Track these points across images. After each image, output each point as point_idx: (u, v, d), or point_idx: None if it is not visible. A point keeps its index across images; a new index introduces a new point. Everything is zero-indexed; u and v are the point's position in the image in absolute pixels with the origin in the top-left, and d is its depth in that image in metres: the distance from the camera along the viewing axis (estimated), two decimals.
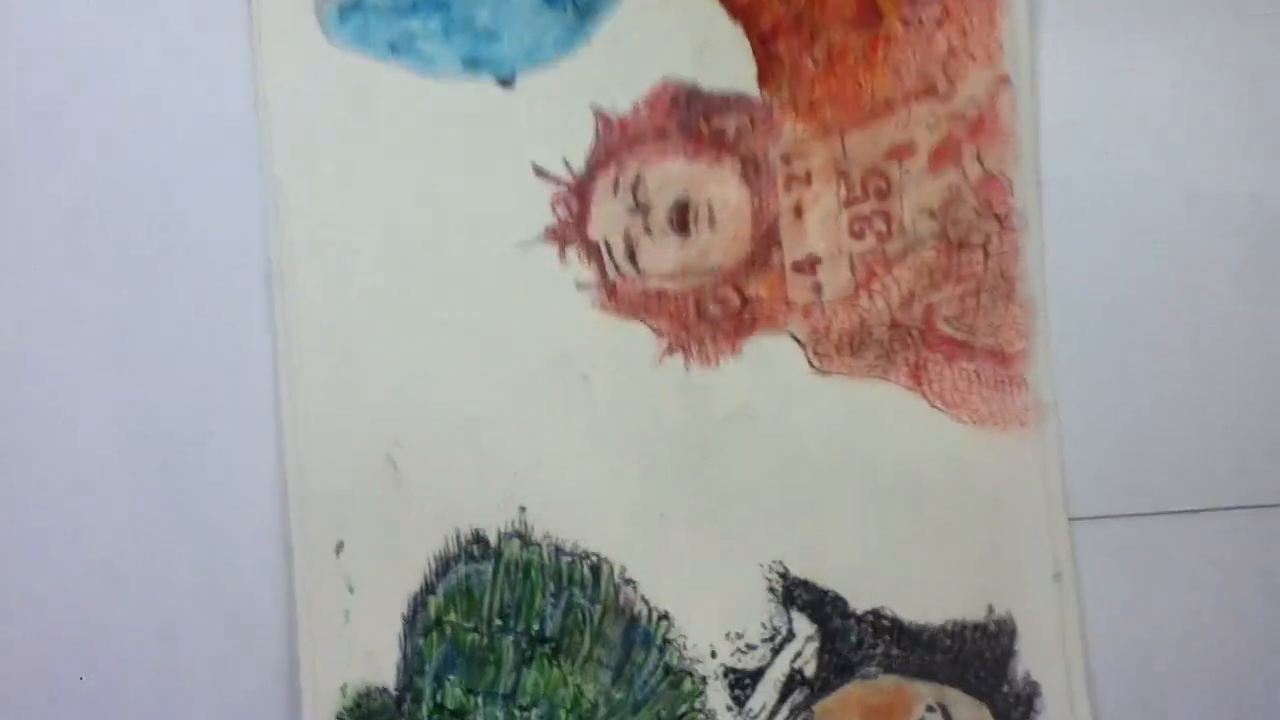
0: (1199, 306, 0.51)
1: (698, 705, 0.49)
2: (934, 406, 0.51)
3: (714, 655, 0.50)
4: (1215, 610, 0.51)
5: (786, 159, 0.51)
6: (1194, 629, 0.51)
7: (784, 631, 0.50)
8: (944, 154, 0.51)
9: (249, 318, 0.51)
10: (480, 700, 0.49)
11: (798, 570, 0.50)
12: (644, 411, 0.50)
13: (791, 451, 0.50)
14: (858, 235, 0.51)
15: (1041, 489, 0.50)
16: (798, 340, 0.50)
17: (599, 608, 0.50)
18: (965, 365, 0.51)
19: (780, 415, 0.50)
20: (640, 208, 0.51)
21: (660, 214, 0.51)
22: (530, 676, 0.49)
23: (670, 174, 0.51)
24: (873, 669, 0.50)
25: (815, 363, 0.50)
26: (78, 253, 0.51)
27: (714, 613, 0.50)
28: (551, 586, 0.50)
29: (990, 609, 0.50)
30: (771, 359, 0.50)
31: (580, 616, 0.50)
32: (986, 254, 0.51)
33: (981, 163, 0.51)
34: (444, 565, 0.50)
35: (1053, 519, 0.50)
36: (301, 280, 0.51)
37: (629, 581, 0.50)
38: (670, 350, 0.51)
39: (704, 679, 0.50)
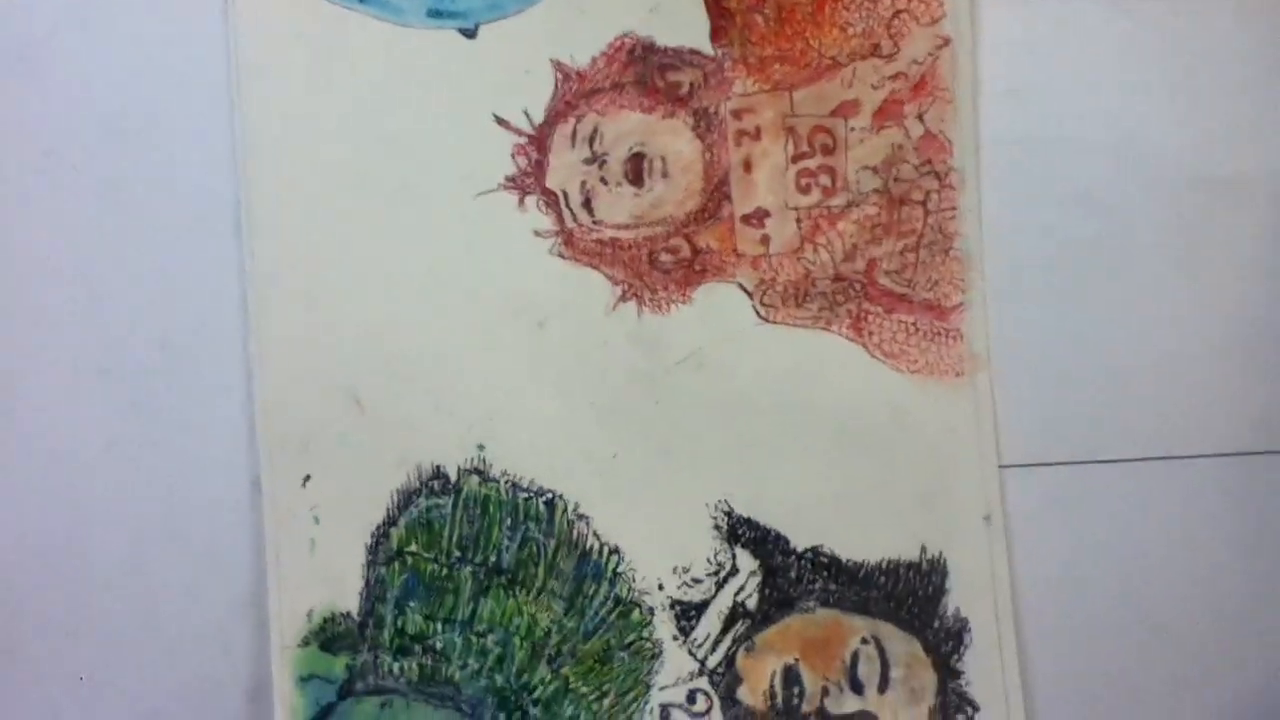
0: (1130, 264, 0.54)
1: (645, 634, 0.52)
2: (873, 356, 0.53)
3: (661, 588, 0.52)
4: (1138, 555, 0.54)
5: (737, 114, 0.53)
6: (1117, 572, 0.54)
7: (728, 566, 0.52)
8: (887, 112, 0.53)
9: (218, 258, 0.52)
10: (439, 627, 0.52)
11: (742, 509, 0.53)
12: (598, 356, 0.53)
13: (738, 396, 0.53)
14: (804, 190, 0.53)
15: (974, 437, 0.53)
16: (746, 290, 0.53)
17: (553, 542, 0.52)
18: (904, 317, 0.53)
19: (728, 362, 0.53)
20: (597, 159, 0.53)
21: (616, 165, 0.53)
22: (487, 605, 0.52)
23: (626, 126, 0.53)
24: (811, 603, 0.52)
25: (762, 312, 0.53)
26: (49, 191, 0.52)
27: (662, 548, 0.52)
28: (508, 521, 0.52)
29: (923, 549, 0.53)
30: (720, 308, 0.53)
31: (535, 550, 0.52)
32: (926, 210, 0.53)
33: (923, 121, 0.53)
34: (406, 499, 0.52)
35: (984, 465, 0.53)
36: (269, 223, 0.52)
37: (582, 517, 0.52)
38: (624, 297, 0.53)
39: (652, 610, 0.52)
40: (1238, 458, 0.53)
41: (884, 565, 0.52)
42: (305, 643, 0.52)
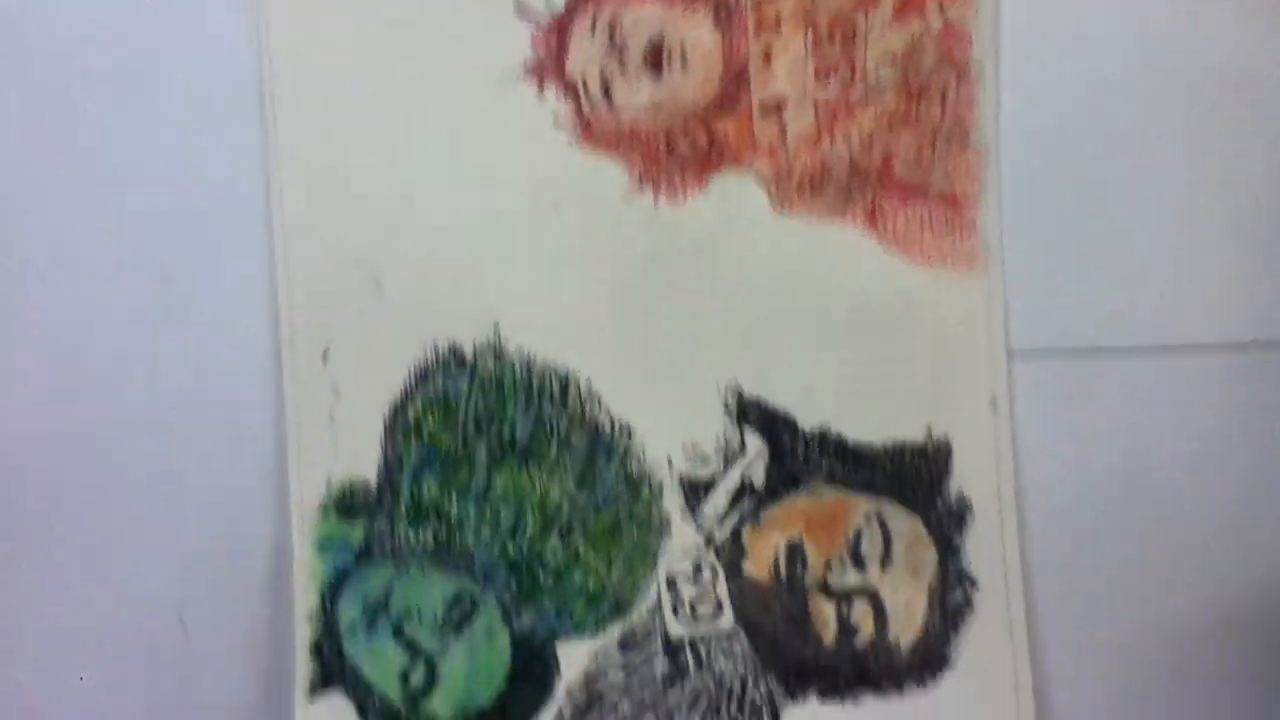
0: (1143, 157, 0.54)
1: (654, 509, 0.54)
2: (887, 247, 0.54)
3: (671, 465, 0.54)
4: (1141, 443, 0.55)
5: (757, 5, 0.53)
6: (1120, 459, 0.55)
7: (736, 446, 0.54)
8: (908, 4, 0.53)
9: (242, 138, 0.53)
10: (454, 498, 0.53)
11: (751, 390, 0.54)
12: (613, 241, 0.54)
13: (750, 283, 0.54)
14: (823, 80, 0.54)
15: (984, 325, 0.54)
16: (761, 180, 0.53)
17: (566, 419, 0.54)
18: (918, 208, 0.54)
19: (741, 249, 0.54)
20: (616, 47, 0.54)
21: (635, 53, 0.54)
22: (501, 479, 0.53)
23: (646, 15, 0.53)
24: (817, 482, 0.54)
25: (777, 201, 0.54)
26: (78, 66, 0.54)
27: (672, 427, 0.54)
28: (522, 398, 0.53)
29: (929, 431, 0.54)
30: (736, 196, 0.54)
31: (548, 426, 0.53)
32: (944, 102, 0.54)
33: (943, 14, 0.53)
34: (423, 374, 0.53)
35: (993, 352, 0.54)
36: (292, 104, 0.53)
37: (594, 395, 0.54)
38: (640, 184, 0.54)
39: (661, 486, 0.54)
40: (1243, 348, 0.54)
41: (889, 447, 0.54)
42: (324, 509, 0.53)
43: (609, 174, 0.54)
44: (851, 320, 0.54)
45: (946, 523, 0.54)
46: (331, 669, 0.53)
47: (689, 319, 0.54)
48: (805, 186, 0.54)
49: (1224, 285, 0.54)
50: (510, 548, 0.53)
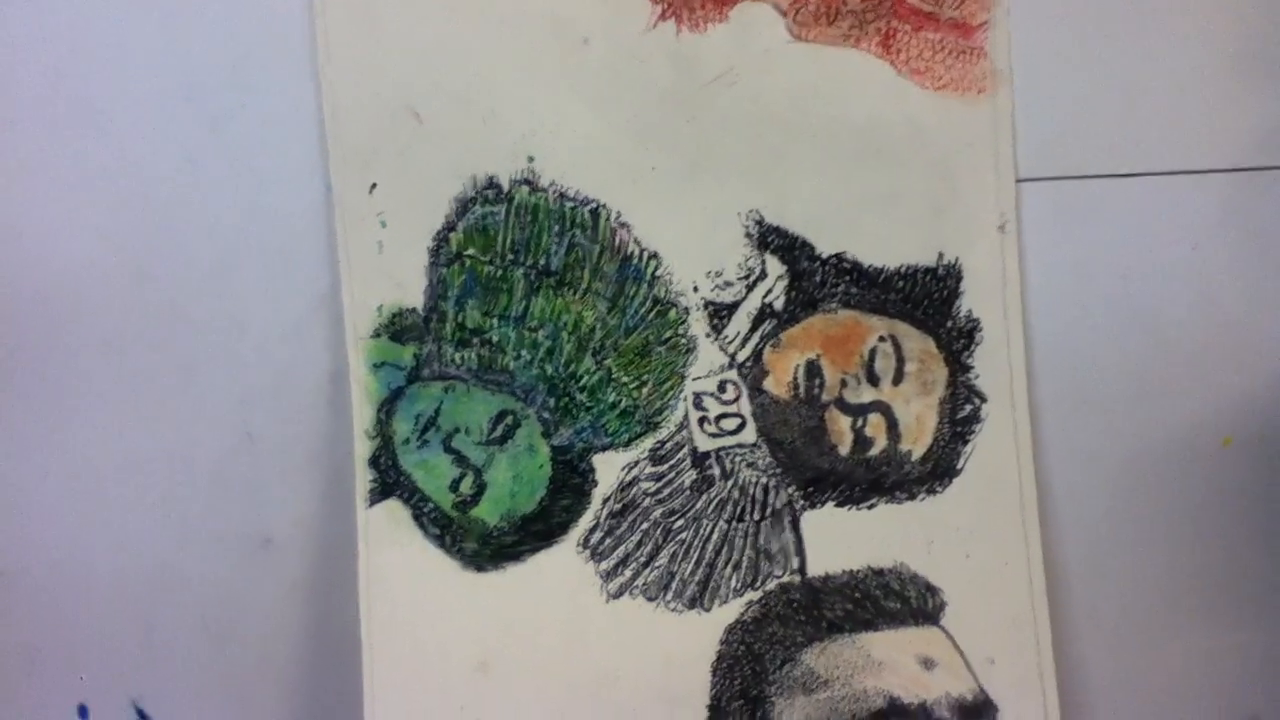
0: None
1: (681, 331, 0.57)
2: (900, 73, 0.56)
3: (696, 290, 0.57)
4: (1144, 264, 0.57)
5: None
6: (1123, 280, 0.57)
7: (757, 271, 0.57)
8: None
9: None
10: (495, 322, 0.57)
11: (771, 218, 0.57)
12: (637, 73, 0.56)
13: (768, 112, 0.56)
14: None
15: (993, 150, 0.56)
16: (779, 7, 0.56)
17: (597, 247, 0.57)
18: (931, 35, 0.56)
19: (759, 79, 0.56)
20: None
21: None
22: (538, 303, 0.57)
23: None
24: (833, 304, 0.57)
25: (794, 30, 0.56)
26: None
27: (697, 253, 0.57)
28: (556, 228, 0.57)
29: (940, 255, 0.56)
30: (755, 25, 0.56)
31: (581, 254, 0.57)
32: None
33: None
34: (463, 206, 0.57)
35: (1001, 177, 0.56)
36: None
37: (623, 225, 0.57)
38: (663, 15, 0.56)
39: (687, 309, 0.57)
40: (1243, 172, 0.56)
41: (902, 270, 0.57)
42: (376, 334, 0.57)
43: (632, 5, 0.56)
44: (866, 147, 0.56)
45: (956, 341, 0.57)
46: (388, 479, 0.58)
47: (711, 150, 0.57)
48: (821, 14, 0.56)
49: (1226, 111, 0.56)
50: (548, 368, 0.57)
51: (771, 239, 0.57)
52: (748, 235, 0.57)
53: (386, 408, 0.58)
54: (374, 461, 0.58)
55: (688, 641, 0.57)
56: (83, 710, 0.60)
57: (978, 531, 0.57)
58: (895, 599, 0.57)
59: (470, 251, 0.57)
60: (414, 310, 0.57)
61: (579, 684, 0.57)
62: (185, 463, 0.60)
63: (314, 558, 0.60)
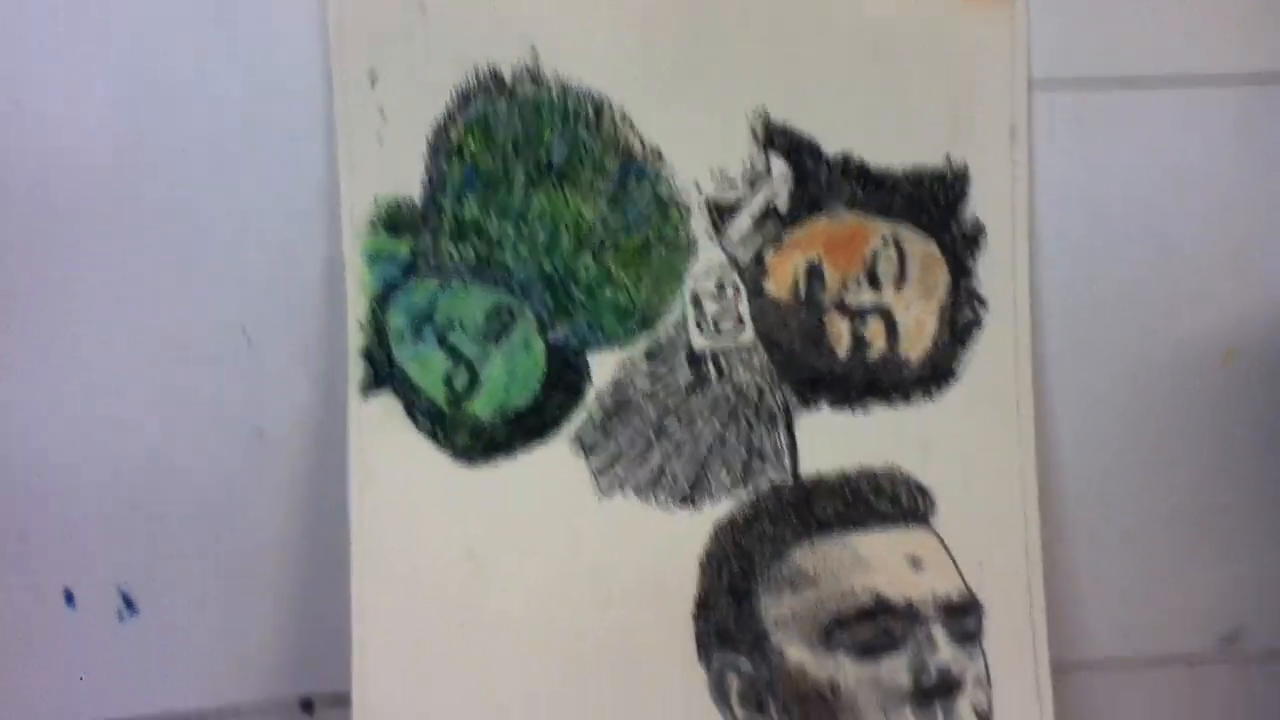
0: None
1: (682, 230, 0.57)
2: None
3: (699, 189, 0.56)
4: (1153, 174, 0.57)
5: None
6: (1131, 189, 0.57)
7: (762, 170, 0.56)
8: None
9: None
10: (494, 217, 0.57)
11: (778, 116, 0.56)
12: None
13: (778, 9, 0.55)
14: None
15: (1008, 54, 0.55)
16: None
17: (599, 142, 0.56)
18: None
19: None
20: None
21: None
22: (538, 199, 0.56)
23: None
24: (837, 206, 0.56)
25: None
26: None
27: (701, 152, 0.56)
28: (558, 122, 0.56)
29: (948, 158, 0.56)
30: None
31: (583, 149, 0.56)
32: None
33: None
34: (464, 97, 0.56)
35: (1014, 82, 0.55)
36: None
37: (627, 120, 0.56)
38: None
39: (689, 208, 0.57)
40: (1260, 79, 0.55)
41: (909, 172, 0.56)
42: (373, 226, 0.57)
43: None
44: (876, 47, 0.55)
45: (960, 246, 0.56)
46: (382, 372, 0.58)
47: (718, 48, 0.55)
48: None
49: (1243, 16, 0.55)
50: (546, 264, 0.57)
51: (777, 138, 0.56)
52: (753, 133, 0.56)
53: (381, 301, 0.57)
54: (368, 354, 0.58)
55: (677, 538, 0.58)
56: (69, 595, 0.61)
57: (973, 437, 0.57)
58: (886, 500, 0.57)
59: (470, 144, 0.56)
60: (411, 203, 0.57)
61: (568, 578, 0.58)
62: (181, 353, 0.59)
63: (307, 449, 0.60)
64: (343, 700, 0.58)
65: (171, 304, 0.59)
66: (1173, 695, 0.62)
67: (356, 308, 0.57)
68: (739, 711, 0.58)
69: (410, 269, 0.57)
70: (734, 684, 0.58)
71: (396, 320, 0.57)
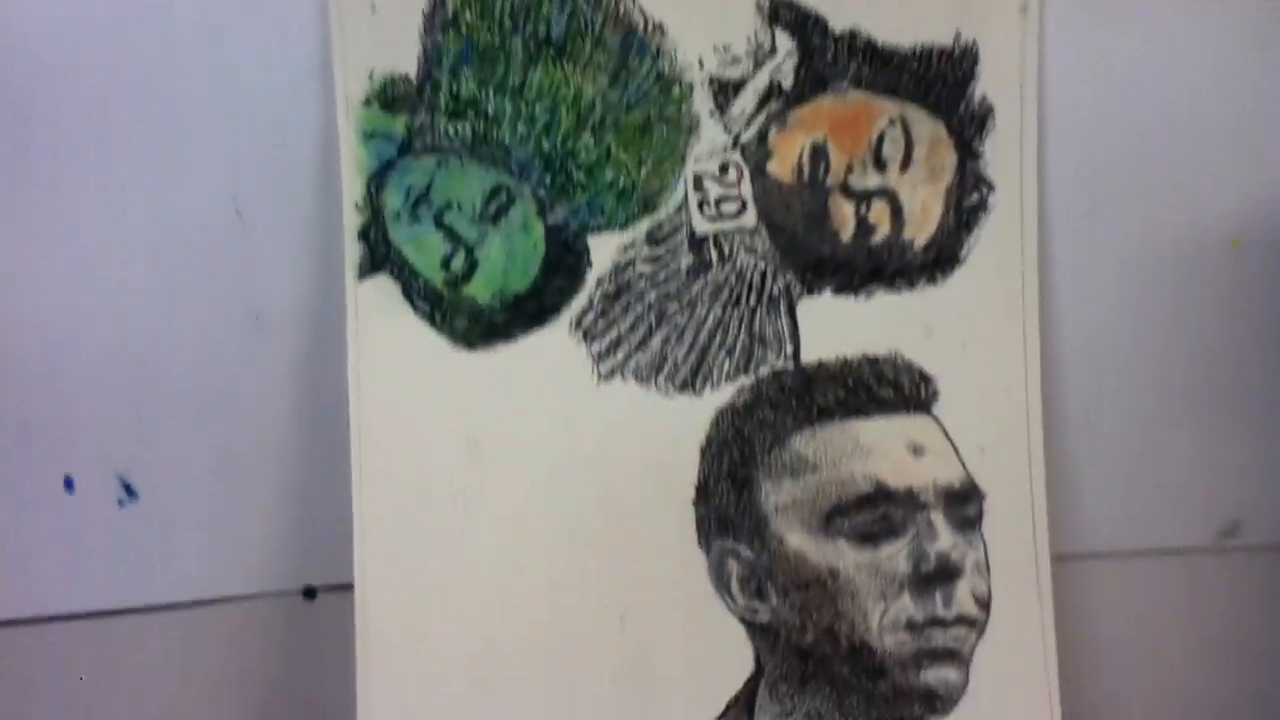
0: None
1: (684, 109, 0.55)
2: None
3: (701, 66, 0.55)
4: (1165, 56, 0.55)
5: None
6: (1143, 70, 0.56)
7: (767, 47, 0.55)
8: None
9: None
10: (491, 93, 0.55)
11: None
12: None
13: None
14: None
15: None
16: None
17: (600, 16, 0.55)
18: None
19: None
20: None
21: None
22: (536, 75, 0.55)
23: None
24: (843, 85, 0.55)
25: None
26: None
27: (704, 26, 0.55)
28: None
29: (957, 35, 0.54)
30: None
31: (583, 23, 0.55)
32: None
33: None
34: None
35: None
36: None
37: None
38: None
39: (691, 86, 0.55)
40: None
41: (917, 49, 0.54)
42: (368, 102, 0.56)
43: None
44: None
45: (968, 126, 0.55)
46: (378, 254, 0.57)
47: None
48: None
49: None
50: (544, 143, 0.56)
51: (783, 13, 0.54)
52: (758, 8, 0.54)
53: (377, 180, 0.56)
54: (364, 235, 0.57)
55: (678, 424, 0.57)
56: (69, 482, 0.61)
57: (976, 322, 0.56)
58: (888, 386, 0.57)
59: (467, 16, 0.55)
60: (407, 78, 0.55)
61: (568, 463, 0.58)
62: (175, 232, 0.58)
63: (304, 332, 0.59)
64: (345, 589, 0.58)
65: (163, 182, 0.58)
66: (1170, 586, 0.62)
67: (352, 187, 0.56)
68: (738, 598, 0.58)
69: (406, 147, 0.56)
70: (734, 570, 0.58)
71: (393, 200, 0.56)
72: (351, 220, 0.56)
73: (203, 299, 0.59)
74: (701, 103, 0.55)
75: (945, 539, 0.56)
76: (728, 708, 0.58)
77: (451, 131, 0.56)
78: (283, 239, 0.58)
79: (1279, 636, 0.63)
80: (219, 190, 0.58)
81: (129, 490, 0.61)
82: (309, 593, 0.62)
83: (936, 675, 0.57)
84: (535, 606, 0.58)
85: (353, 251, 0.57)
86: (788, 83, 0.55)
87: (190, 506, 0.61)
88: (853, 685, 0.57)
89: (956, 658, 0.57)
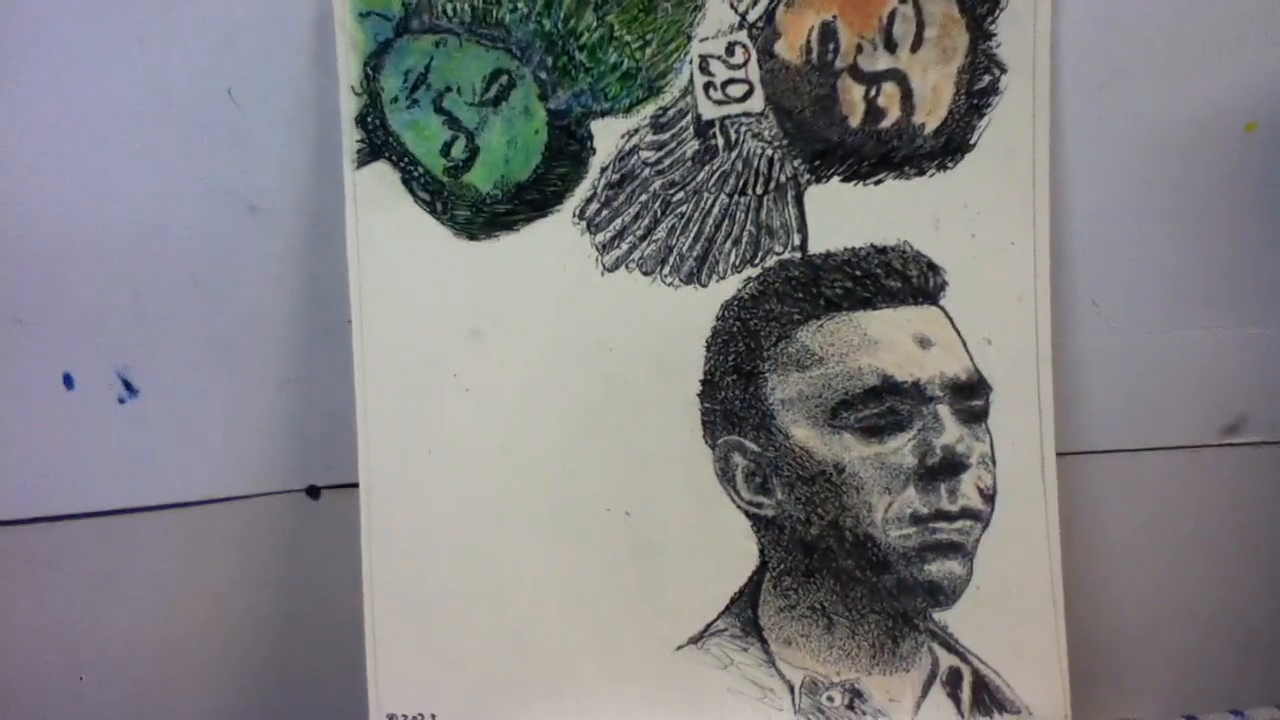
0: None
1: None
2: None
3: None
4: None
5: None
6: None
7: None
8: None
9: None
10: None
11: None
12: None
13: None
14: None
15: None
16: None
17: None
18: None
19: None
20: None
21: None
22: None
23: None
24: None
25: None
26: None
27: None
28: None
29: None
30: None
31: None
32: None
33: None
34: None
35: None
36: None
37: None
38: None
39: None
40: None
41: None
42: None
43: None
44: None
45: (980, 6, 0.54)
46: (376, 140, 0.55)
47: None
48: None
49: None
50: (546, 23, 0.54)
51: None
52: None
53: (374, 62, 0.55)
54: (361, 120, 0.55)
55: (683, 316, 0.57)
56: (67, 379, 0.60)
57: (986, 210, 0.55)
58: (896, 277, 0.56)
59: None
60: None
61: (572, 354, 0.57)
62: (166, 111, 0.56)
63: (303, 221, 0.58)
64: (350, 487, 0.58)
65: (152, 65, 0.56)
66: (1173, 482, 0.61)
67: (348, 70, 0.55)
68: (744, 492, 0.57)
69: (403, 27, 0.54)
70: (739, 464, 0.57)
71: (390, 83, 0.55)
72: (348, 105, 0.55)
73: (197, 186, 0.57)
74: None
75: (951, 432, 0.56)
76: (732, 601, 0.58)
77: (450, 10, 0.54)
78: (278, 124, 0.56)
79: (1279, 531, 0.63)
80: (210, 73, 0.56)
81: (129, 386, 0.60)
82: (313, 491, 0.62)
83: (940, 568, 0.57)
84: (539, 500, 0.57)
85: (350, 138, 0.55)
86: None
87: (191, 404, 0.60)
88: (857, 578, 0.57)
89: (960, 551, 0.57)
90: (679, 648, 0.58)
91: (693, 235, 0.56)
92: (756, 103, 0.55)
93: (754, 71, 0.54)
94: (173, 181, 0.57)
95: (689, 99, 0.55)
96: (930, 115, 0.55)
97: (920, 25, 0.54)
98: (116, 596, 0.61)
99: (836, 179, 0.56)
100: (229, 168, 0.57)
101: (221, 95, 0.56)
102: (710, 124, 0.55)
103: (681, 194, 0.56)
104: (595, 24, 0.54)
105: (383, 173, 0.56)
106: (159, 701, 0.62)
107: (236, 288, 0.59)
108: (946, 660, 0.58)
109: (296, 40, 0.55)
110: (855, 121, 0.55)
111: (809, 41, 0.54)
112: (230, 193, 0.57)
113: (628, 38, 0.54)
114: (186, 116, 0.56)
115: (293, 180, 0.57)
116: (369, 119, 0.55)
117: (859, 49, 0.54)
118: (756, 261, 0.56)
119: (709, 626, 0.58)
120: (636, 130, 0.55)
